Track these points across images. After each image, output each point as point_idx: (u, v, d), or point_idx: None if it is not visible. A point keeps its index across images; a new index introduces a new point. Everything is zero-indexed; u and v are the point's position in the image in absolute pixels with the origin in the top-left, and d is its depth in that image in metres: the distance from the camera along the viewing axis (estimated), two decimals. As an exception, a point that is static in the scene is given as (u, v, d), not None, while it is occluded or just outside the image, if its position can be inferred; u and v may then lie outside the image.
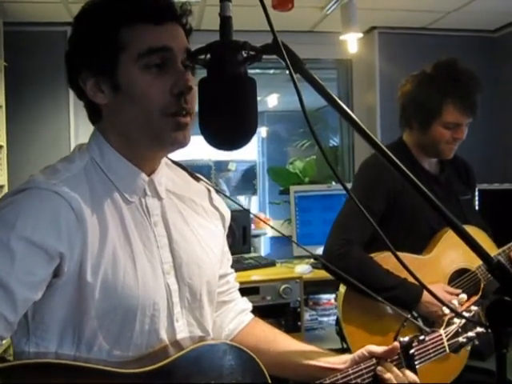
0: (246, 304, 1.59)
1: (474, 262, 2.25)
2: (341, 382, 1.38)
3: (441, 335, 1.59)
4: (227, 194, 4.42)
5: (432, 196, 0.91)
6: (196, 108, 1.05)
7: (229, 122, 0.96)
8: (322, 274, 3.32)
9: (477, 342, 1.63)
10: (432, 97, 2.25)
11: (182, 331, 1.29)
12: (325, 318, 3.54)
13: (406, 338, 1.47)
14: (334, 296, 3.61)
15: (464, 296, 1.82)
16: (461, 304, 1.70)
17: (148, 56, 1.18)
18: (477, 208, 3.46)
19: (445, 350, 1.58)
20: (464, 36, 4.17)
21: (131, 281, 1.19)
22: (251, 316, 1.58)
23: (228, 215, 1.49)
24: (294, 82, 0.89)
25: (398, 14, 3.79)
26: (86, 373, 1.11)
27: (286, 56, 0.90)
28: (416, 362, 1.47)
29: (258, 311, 1.62)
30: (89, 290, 1.14)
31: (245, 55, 0.97)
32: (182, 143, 1.22)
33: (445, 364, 2.08)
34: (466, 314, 1.64)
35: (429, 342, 1.54)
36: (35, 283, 1.10)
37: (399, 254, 1.05)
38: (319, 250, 2.31)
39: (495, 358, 0.91)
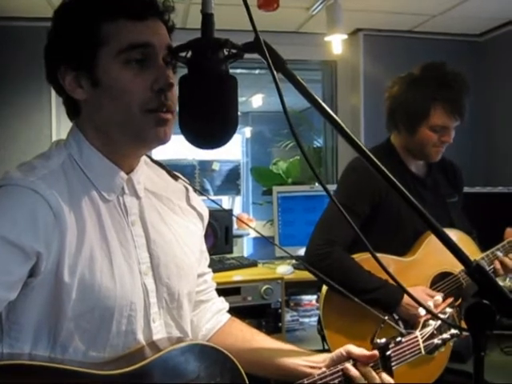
0: (222, 304, 1.58)
1: (456, 266, 2.24)
2: (319, 382, 1.37)
3: (417, 337, 1.60)
4: (211, 193, 4.41)
5: (413, 199, 0.92)
6: (177, 106, 1.04)
7: (209, 120, 0.95)
8: (304, 274, 3.33)
9: (451, 344, 1.65)
10: (420, 100, 2.24)
11: (159, 332, 1.28)
12: (306, 319, 3.53)
13: (383, 340, 1.47)
14: (315, 297, 3.61)
15: (439, 298, 1.83)
16: (436, 306, 1.72)
17: (128, 52, 1.16)
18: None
19: (420, 352, 1.59)
20: (449, 40, 4.19)
21: (108, 281, 1.17)
22: (228, 316, 1.58)
23: (206, 214, 1.48)
24: (275, 81, 0.89)
25: (383, 16, 3.79)
26: (61, 374, 1.09)
27: (267, 55, 0.89)
28: (392, 364, 1.48)
29: (239, 312, 1.61)
30: (65, 291, 1.12)
31: (226, 53, 0.96)
32: (163, 139, 1.21)
33: (426, 367, 2.09)
34: (441, 316, 1.65)
35: (405, 344, 1.55)
36: (11, 283, 1.08)
37: (382, 255, 1.06)
38: (301, 251, 2.31)
39: (473, 360, 0.92)
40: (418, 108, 2.24)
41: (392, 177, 0.91)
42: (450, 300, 1.77)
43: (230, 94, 0.96)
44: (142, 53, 1.18)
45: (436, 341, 1.63)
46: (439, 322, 1.65)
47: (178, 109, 1.00)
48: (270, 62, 0.88)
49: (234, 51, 0.95)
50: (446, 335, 1.65)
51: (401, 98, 2.31)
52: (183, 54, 0.98)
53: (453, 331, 1.66)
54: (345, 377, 1.39)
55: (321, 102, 0.93)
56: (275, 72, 0.89)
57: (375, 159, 0.92)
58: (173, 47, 1.18)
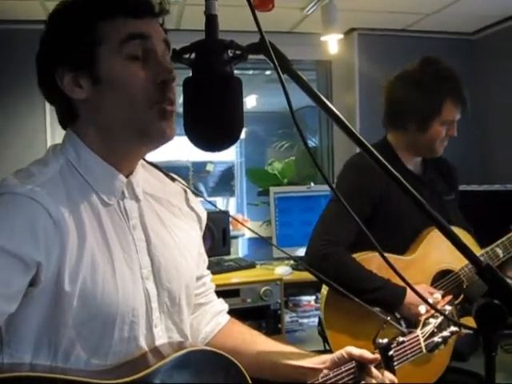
0: (222, 305, 1.57)
1: (457, 263, 2.26)
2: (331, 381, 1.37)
3: (418, 336, 1.61)
4: (205, 195, 4.39)
5: (417, 194, 0.91)
6: (180, 109, 1.03)
7: (216, 122, 0.94)
8: (302, 275, 3.33)
9: (451, 341, 1.67)
10: (429, 99, 2.24)
11: (161, 337, 1.27)
12: (305, 320, 3.52)
13: (385, 340, 1.47)
14: (314, 298, 3.61)
15: (438, 295, 1.83)
16: (435, 303, 1.72)
17: (128, 42, 1.16)
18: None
19: (421, 351, 1.60)
20: (443, 38, 4.20)
21: (111, 288, 1.15)
22: (228, 317, 1.57)
23: (204, 216, 1.47)
24: (281, 82, 0.88)
25: (378, 15, 3.80)
26: None
27: (273, 56, 0.88)
28: (394, 363, 1.48)
29: (239, 314, 1.60)
30: (66, 299, 1.10)
31: (231, 54, 0.95)
32: (167, 134, 1.20)
33: (427, 366, 2.09)
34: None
35: (406, 343, 1.55)
36: (11, 295, 1.06)
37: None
38: (299, 252, 2.31)
39: (484, 361, 0.91)
40: (431, 106, 2.25)
41: (395, 171, 0.90)
42: (449, 297, 1.77)
43: (235, 95, 0.95)
44: (141, 45, 1.17)
45: (436, 339, 1.64)
46: (439, 320, 1.65)
47: (181, 110, 0.98)
48: (276, 63, 0.88)
49: (238, 52, 0.94)
50: (445, 333, 1.66)
51: (408, 99, 2.30)
52: (186, 56, 0.96)
53: (452, 328, 1.67)
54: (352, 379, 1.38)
55: (326, 101, 0.93)
56: (281, 73, 0.88)
57: (379, 156, 0.91)
58: (175, 48, 1.17)
